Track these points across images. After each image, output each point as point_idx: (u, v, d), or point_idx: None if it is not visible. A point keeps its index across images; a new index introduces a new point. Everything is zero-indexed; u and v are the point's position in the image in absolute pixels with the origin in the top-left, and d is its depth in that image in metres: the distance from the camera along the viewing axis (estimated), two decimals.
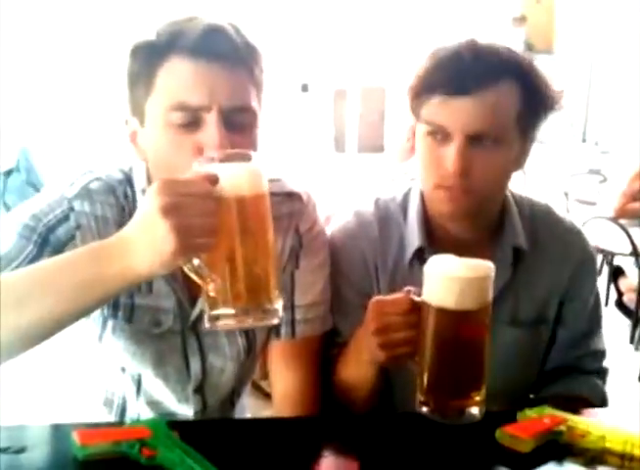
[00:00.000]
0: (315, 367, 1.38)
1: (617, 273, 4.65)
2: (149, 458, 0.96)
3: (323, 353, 1.40)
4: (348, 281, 1.41)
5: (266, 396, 1.64)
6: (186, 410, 1.37)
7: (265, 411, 1.61)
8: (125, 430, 1.03)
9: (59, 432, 1.09)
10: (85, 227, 1.22)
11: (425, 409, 1.11)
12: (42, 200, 1.23)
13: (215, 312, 0.99)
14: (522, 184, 4.99)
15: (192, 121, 1.13)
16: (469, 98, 1.23)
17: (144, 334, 1.30)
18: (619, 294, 4.64)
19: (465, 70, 1.24)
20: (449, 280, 1.06)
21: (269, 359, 1.42)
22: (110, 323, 1.29)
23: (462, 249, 1.14)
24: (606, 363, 1.52)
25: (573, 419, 1.11)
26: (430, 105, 1.27)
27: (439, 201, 1.31)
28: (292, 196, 1.37)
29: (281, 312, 1.03)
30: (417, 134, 1.33)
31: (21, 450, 1.01)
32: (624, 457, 1.06)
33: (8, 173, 6.95)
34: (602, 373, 1.50)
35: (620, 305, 4.62)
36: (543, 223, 1.45)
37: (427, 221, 1.40)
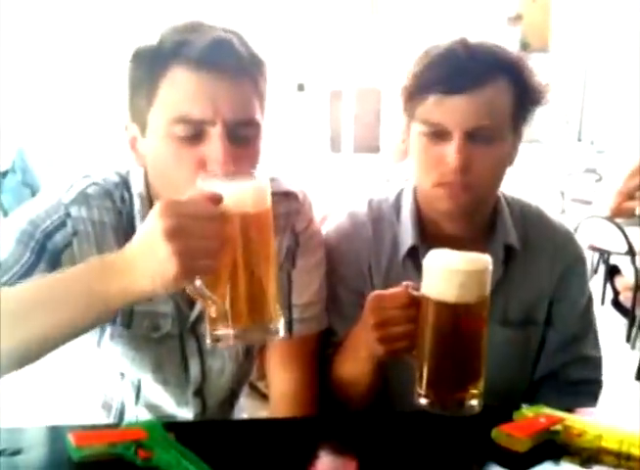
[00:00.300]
0: (312, 367, 1.38)
1: (613, 272, 4.66)
2: (145, 460, 0.96)
3: (319, 354, 1.40)
4: (343, 281, 1.42)
5: (263, 396, 1.63)
6: (185, 413, 1.37)
7: (262, 412, 1.61)
8: (121, 431, 1.03)
9: (54, 434, 1.09)
10: (82, 233, 1.21)
11: (424, 402, 1.11)
12: (39, 205, 1.22)
13: (217, 333, 0.99)
14: (517, 183, 4.99)
15: (195, 134, 1.12)
16: (465, 95, 1.24)
17: (142, 339, 1.29)
18: (616, 293, 4.65)
19: (460, 68, 1.25)
20: (449, 273, 1.06)
21: (266, 360, 1.42)
22: (108, 329, 1.28)
23: (455, 247, 1.14)
24: (598, 373, 1.49)
25: (570, 418, 1.11)
26: (425, 104, 1.27)
27: (439, 198, 1.31)
28: (288, 195, 1.37)
29: (282, 331, 1.02)
30: (412, 134, 1.34)
31: (16, 452, 1.01)
32: (621, 456, 1.05)
33: (4, 174, 6.94)
34: (591, 383, 1.48)
35: (617, 304, 4.62)
36: (533, 224, 1.46)
37: (420, 220, 1.41)
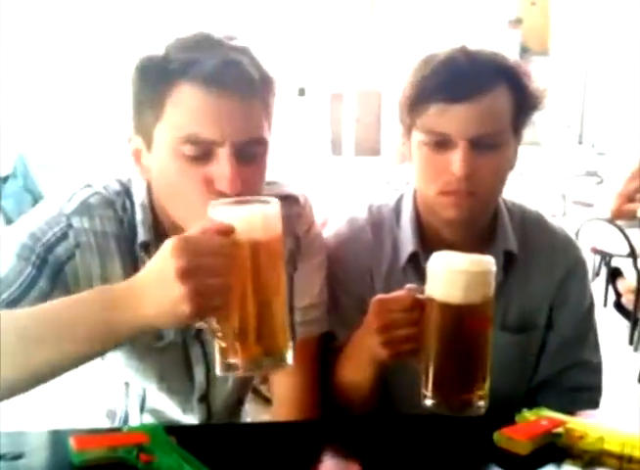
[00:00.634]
0: (314, 371, 1.38)
1: (615, 275, 4.66)
2: (146, 464, 0.95)
3: (321, 358, 1.40)
4: (344, 286, 1.42)
5: (265, 400, 1.63)
6: (191, 420, 1.37)
7: (264, 416, 1.61)
8: (122, 435, 1.03)
9: (56, 438, 1.09)
10: (85, 244, 1.20)
11: (431, 404, 1.11)
12: (40, 216, 1.20)
13: (227, 362, 0.98)
14: (519, 186, 5.00)
15: (203, 154, 1.10)
16: (468, 103, 1.24)
17: (146, 348, 1.28)
18: (618, 295, 4.65)
19: (462, 76, 1.24)
20: (454, 274, 1.07)
21: None
22: None
23: None
24: (597, 379, 1.48)
25: (572, 421, 1.11)
26: (427, 113, 1.27)
27: (444, 207, 1.31)
28: (289, 199, 1.36)
29: (290, 359, 1.01)
30: (413, 142, 1.33)
31: (18, 457, 1.00)
32: (623, 459, 1.05)
33: (5, 179, 6.96)
34: (590, 389, 1.47)
35: (619, 306, 4.63)
36: (534, 229, 1.46)
37: (420, 226, 1.41)
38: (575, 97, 8.86)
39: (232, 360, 0.97)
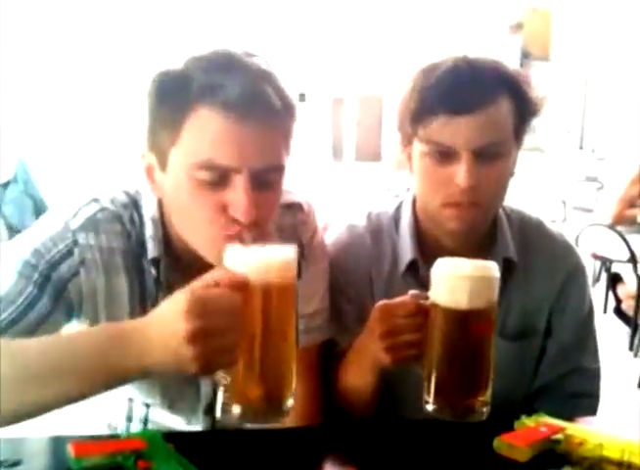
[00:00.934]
0: (316, 378, 1.37)
1: (615, 280, 4.66)
2: None
3: (322, 365, 1.40)
4: (344, 293, 1.42)
5: None
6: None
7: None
8: (121, 442, 1.03)
9: (54, 444, 1.09)
10: (90, 261, 1.18)
11: (433, 409, 1.11)
12: (45, 231, 1.18)
13: (228, 408, 0.98)
14: (519, 192, 5.00)
15: (219, 180, 1.08)
16: (471, 115, 1.23)
17: None
18: (618, 301, 4.64)
19: (465, 88, 1.24)
20: (459, 279, 1.07)
21: None
22: None
23: None
24: (596, 386, 1.48)
25: (571, 427, 1.11)
26: (431, 125, 1.26)
27: (448, 218, 1.31)
28: (293, 207, 1.36)
29: (289, 408, 1.01)
30: (414, 153, 1.33)
31: (16, 464, 1.00)
32: (622, 465, 1.05)
33: (5, 185, 6.96)
34: (589, 396, 1.47)
35: (619, 312, 4.62)
36: (533, 236, 1.46)
37: (419, 234, 1.42)
38: (576, 102, 8.86)
39: (234, 408, 0.97)
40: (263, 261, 0.96)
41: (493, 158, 1.27)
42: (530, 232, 1.47)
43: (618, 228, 4.45)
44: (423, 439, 1.15)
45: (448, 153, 1.26)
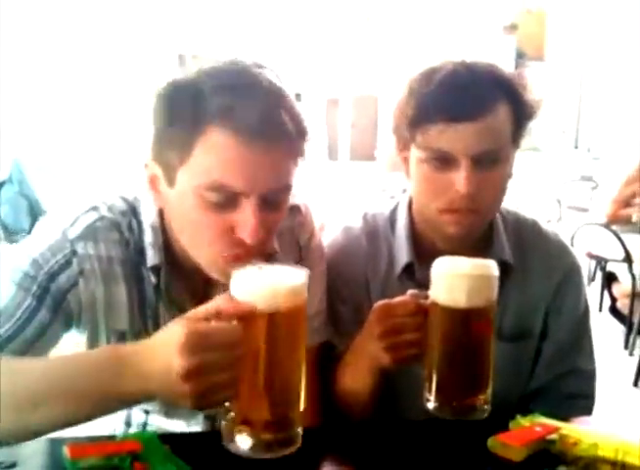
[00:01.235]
0: (315, 380, 1.37)
1: (610, 279, 4.67)
2: None
3: (320, 367, 1.39)
4: (340, 295, 1.42)
5: None
6: None
7: None
8: (116, 444, 1.02)
9: (50, 446, 1.08)
10: (89, 271, 1.17)
11: (434, 407, 1.11)
12: (43, 241, 1.17)
13: (234, 439, 0.96)
14: (515, 192, 5.00)
15: (226, 201, 1.07)
16: (471, 122, 1.23)
17: None
18: (613, 300, 4.65)
19: (464, 95, 1.24)
20: (459, 278, 1.07)
21: None
22: None
23: None
24: (591, 387, 1.48)
25: (566, 427, 1.11)
26: (429, 131, 1.26)
27: (447, 224, 1.31)
28: (291, 209, 1.35)
29: (300, 438, 0.99)
30: (412, 158, 1.32)
31: (12, 466, 1.00)
32: (616, 465, 1.05)
33: (0, 185, 6.95)
34: (584, 397, 1.46)
35: (614, 311, 4.63)
36: (528, 237, 1.46)
37: (415, 236, 1.42)
38: (571, 102, 8.87)
39: (239, 439, 0.95)
40: (271, 288, 0.93)
41: (492, 163, 1.27)
42: (526, 234, 1.47)
43: (614, 228, 4.45)
44: (418, 438, 1.15)
45: (447, 159, 1.26)
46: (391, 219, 1.47)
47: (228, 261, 1.11)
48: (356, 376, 1.28)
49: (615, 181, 4.74)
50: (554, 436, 1.09)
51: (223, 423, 0.97)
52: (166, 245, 1.22)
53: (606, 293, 4.77)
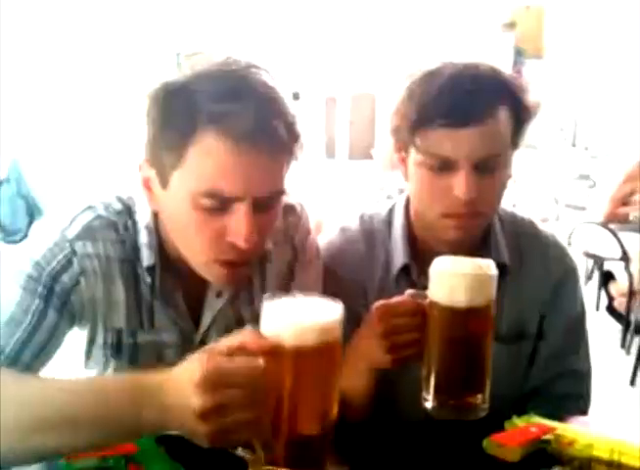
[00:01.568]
0: None
1: (607, 278, 4.67)
2: None
3: None
4: (336, 297, 1.40)
5: None
6: None
7: None
8: (112, 445, 1.03)
9: None
10: (89, 270, 1.18)
11: (433, 407, 1.11)
12: (42, 242, 1.17)
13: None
14: (512, 190, 5.00)
15: (220, 206, 1.07)
16: (472, 128, 1.22)
17: (149, 368, 1.28)
18: (610, 299, 4.65)
19: (465, 100, 1.22)
20: (458, 278, 1.07)
21: None
22: (112, 363, 1.26)
23: None
24: (586, 389, 1.47)
25: (561, 427, 1.12)
26: (429, 136, 1.25)
27: (446, 228, 1.30)
28: (285, 209, 1.35)
29: None
30: (411, 162, 1.31)
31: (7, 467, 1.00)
32: (612, 465, 1.06)
33: None
34: (578, 398, 1.46)
35: (611, 309, 4.63)
36: (526, 238, 1.46)
37: (412, 238, 1.41)
38: (569, 100, 8.87)
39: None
40: (299, 324, 0.90)
41: (492, 168, 1.26)
42: (523, 235, 1.46)
43: (611, 226, 4.46)
44: (413, 439, 1.16)
45: (447, 164, 1.25)
46: (388, 221, 1.46)
47: (223, 266, 1.12)
48: (353, 377, 1.28)
49: (612, 179, 4.75)
50: (549, 436, 1.10)
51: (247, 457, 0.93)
52: (161, 245, 1.22)
53: (603, 292, 4.77)
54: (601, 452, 1.06)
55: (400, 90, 1.31)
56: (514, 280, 1.40)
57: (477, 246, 1.39)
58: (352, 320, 1.24)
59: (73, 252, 1.17)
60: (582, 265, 5.09)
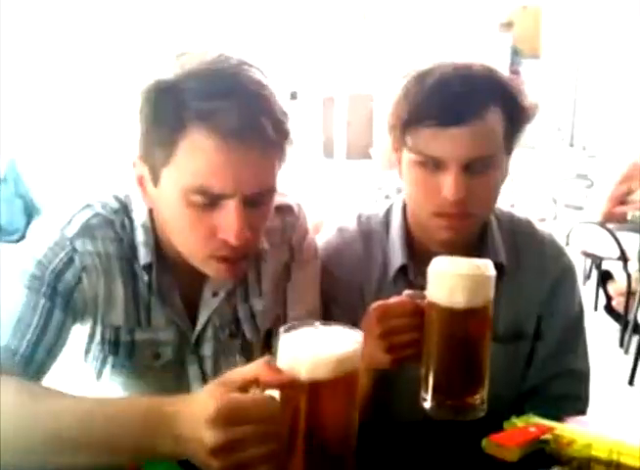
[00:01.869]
0: None
1: (605, 278, 4.67)
2: None
3: None
4: (334, 298, 1.42)
5: None
6: None
7: None
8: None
9: None
10: (90, 267, 1.18)
11: (431, 407, 1.11)
12: (42, 242, 1.18)
13: None
14: (510, 190, 5.01)
15: (210, 203, 1.08)
16: (461, 127, 1.22)
17: (144, 368, 1.28)
18: (608, 298, 4.65)
19: (455, 100, 1.22)
20: (457, 278, 1.07)
21: None
22: (110, 360, 1.27)
23: None
24: (584, 389, 1.47)
25: (560, 428, 1.12)
26: (420, 135, 1.25)
27: (438, 228, 1.30)
28: (283, 209, 1.36)
29: None
30: (404, 160, 1.32)
31: None
32: (611, 465, 1.06)
33: None
34: (576, 399, 1.46)
35: (610, 309, 4.63)
36: (523, 238, 1.46)
37: (409, 238, 1.41)
38: (566, 100, 8.88)
39: None
40: (315, 357, 0.87)
41: (483, 168, 1.25)
42: (520, 235, 1.46)
43: (609, 226, 4.46)
44: (412, 440, 1.15)
45: (437, 164, 1.25)
46: (386, 221, 1.46)
47: (219, 261, 1.13)
48: None
49: (610, 179, 4.75)
50: (548, 436, 1.10)
51: None
52: (157, 243, 1.23)
53: (601, 291, 4.77)
54: (600, 452, 1.06)
55: (395, 90, 1.31)
56: (511, 280, 1.40)
57: (474, 246, 1.39)
58: (350, 320, 1.24)
59: (74, 249, 1.17)
60: (580, 265, 5.10)
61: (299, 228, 1.38)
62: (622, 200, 4.66)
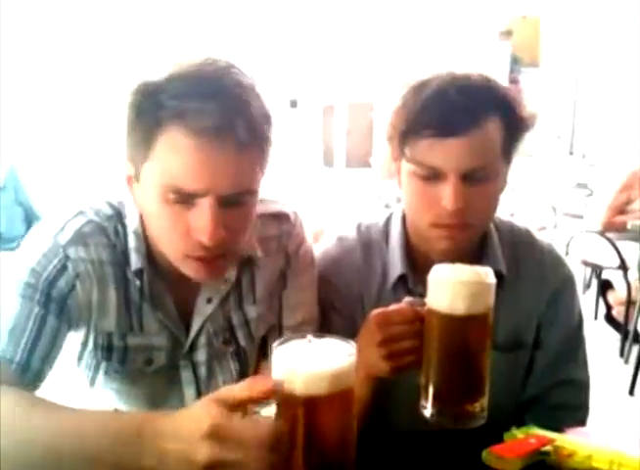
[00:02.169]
0: None
1: (605, 287, 4.67)
2: None
3: None
4: (334, 306, 1.42)
5: None
6: None
7: None
8: None
9: None
10: (84, 274, 1.19)
11: (431, 415, 1.10)
12: (35, 249, 1.18)
13: None
14: (510, 199, 5.01)
15: (186, 201, 1.08)
16: (459, 137, 1.22)
17: (137, 373, 1.28)
18: (608, 308, 4.65)
19: (453, 110, 1.22)
20: (457, 285, 1.07)
21: None
22: (103, 366, 1.27)
23: None
24: (584, 399, 1.46)
25: (560, 439, 1.11)
26: (418, 146, 1.25)
27: (437, 238, 1.30)
28: (279, 217, 1.36)
29: None
30: (403, 171, 1.32)
31: None
32: None
33: None
34: (576, 408, 1.45)
35: (610, 318, 4.63)
36: (522, 247, 1.46)
37: (408, 248, 1.41)
38: (566, 108, 8.89)
39: None
40: (312, 373, 0.86)
41: (482, 179, 1.25)
42: (520, 244, 1.46)
43: (609, 235, 4.46)
44: (412, 451, 1.15)
45: (435, 174, 1.25)
46: (385, 230, 1.47)
47: (196, 261, 1.13)
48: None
49: (609, 188, 4.75)
50: (549, 448, 1.09)
51: None
52: (149, 249, 1.23)
53: (601, 300, 4.77)
54: (600, 464, 1.06)
55: (394, 100, 1.31)
56: (511, 289, 1.40)
57: (473, 255, 1.39)
58: (349, 328, 1.24)
59: (67, 257, 1.18)
60: (580, 274, 5.09)
61: (296, 236, 1.38)
62: (622, 209, 4.66)
